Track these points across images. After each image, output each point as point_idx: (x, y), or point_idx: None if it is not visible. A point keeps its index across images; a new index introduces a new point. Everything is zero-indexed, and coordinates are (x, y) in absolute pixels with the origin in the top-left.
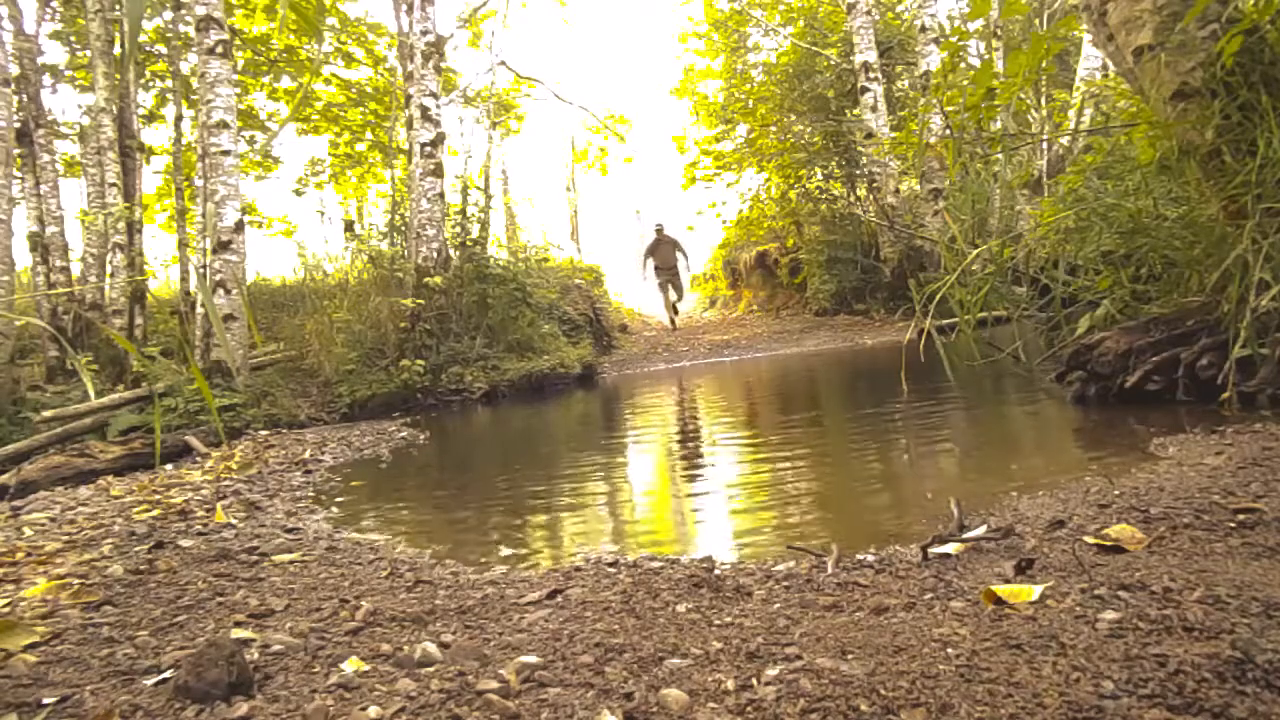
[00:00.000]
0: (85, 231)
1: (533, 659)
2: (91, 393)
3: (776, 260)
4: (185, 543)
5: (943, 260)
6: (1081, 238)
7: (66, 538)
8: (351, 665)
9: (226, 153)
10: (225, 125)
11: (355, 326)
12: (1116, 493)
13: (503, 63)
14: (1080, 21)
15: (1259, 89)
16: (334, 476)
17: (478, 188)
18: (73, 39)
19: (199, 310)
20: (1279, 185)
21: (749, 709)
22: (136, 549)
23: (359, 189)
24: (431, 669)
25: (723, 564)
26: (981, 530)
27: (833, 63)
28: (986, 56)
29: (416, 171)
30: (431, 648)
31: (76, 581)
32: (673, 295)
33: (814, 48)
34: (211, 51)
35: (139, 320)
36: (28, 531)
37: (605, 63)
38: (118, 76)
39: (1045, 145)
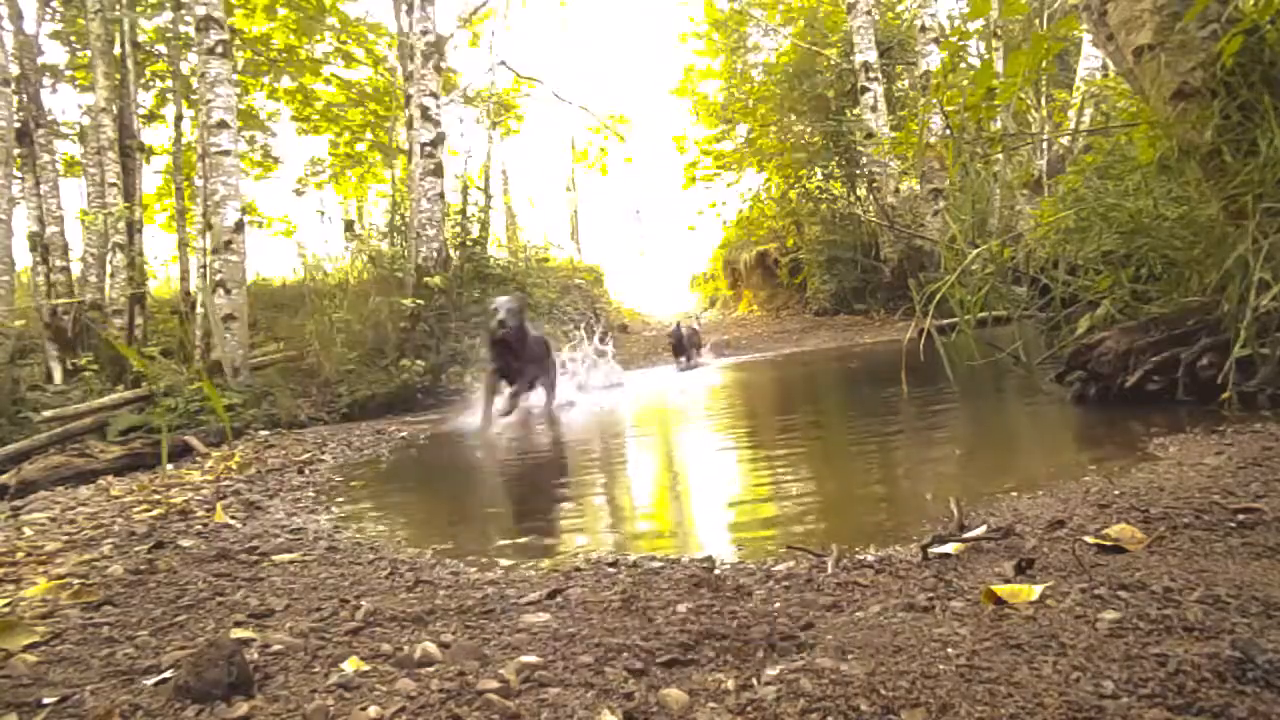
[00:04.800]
0: (85, 231)
1: (533, 659)
2: (57, 376)
3: (776, 260)
4: (185, 543)
5: (943, 260)
6: (1081, 238)
7: (66, 538)
8: (351, 665)
9: (226, 153)
10: (225, 125)
11: (355, 326)
12: (1116, 493)
13: (503, 63)
14: (1080, 21)
15: (1259, 89)
16: (334, 476)
17: (478, 188)
18: (73, 39)
19: (199, 310)
20: (1279, 185)
21: (749, 709)
22: (136, 549)
23: (359, 189)
24: (431, 669)
25: (723, 564)
26: (981, 530)
27: (833, 63)
28: (986, 56)
29: (416, 171)
30: (431, 647)
31: (76, 581)
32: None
33: (814, 48)
34: (211, 51)
35: (139, 320)
36: (28, 531)
37: (605, 63)
38: (117, 76)
39: (1045, 145)
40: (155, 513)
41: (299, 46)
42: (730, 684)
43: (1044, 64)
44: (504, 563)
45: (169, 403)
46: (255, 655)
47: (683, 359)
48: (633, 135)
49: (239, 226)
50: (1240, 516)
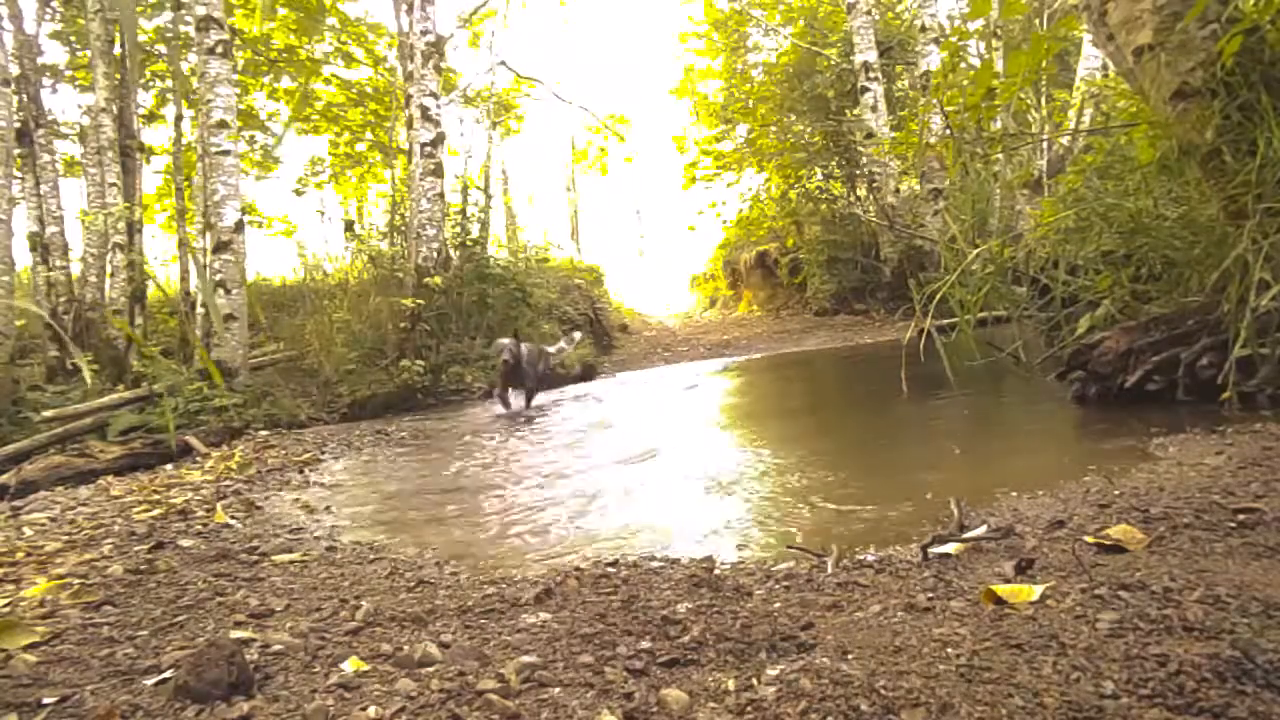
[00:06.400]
0: (85, 231)
1: (533, 659)
2: (88, 377)
3: (776, 260)
4: (185, 543)
5: (943, 260)
6: (1081, 238)
7: (66, 538)
8: (351, 665)
9: (226, 153)
10: (225, 125)
11: (355, 326)
12: (1116, 493)
13: (503, 63)
14: (1080, 21)
15: (1259, 89)
16: (334, 476)
17: (478, 188)
18: (73, 39)
19: (199, 310)
20: (1279, 185)
21: (749, 709)
22: (136, 549)
23: (359, 189)
24: (431, 669)
25: (723, 564)
26: (981, 530)
27: (833, 63)
28: (986, 56)
29: (416, 171)
30: (431, 647)
31: (76, 581)
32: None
33: (814, 48)
34: (211, 51)
35: (139, 320)
36: (28, 531)
37: (605, 63)
38: (118, 76)
39: (1045, 145)
40: (155, 513)
41: (299, 46)
42: (730, 684)
43: (1044, 64)
44: (504, 562)
45: (169, 403)
46: (255, 655)
47: (511, 392)
48: (633, 135)
49: (239, 226)
50: (1240, 516)
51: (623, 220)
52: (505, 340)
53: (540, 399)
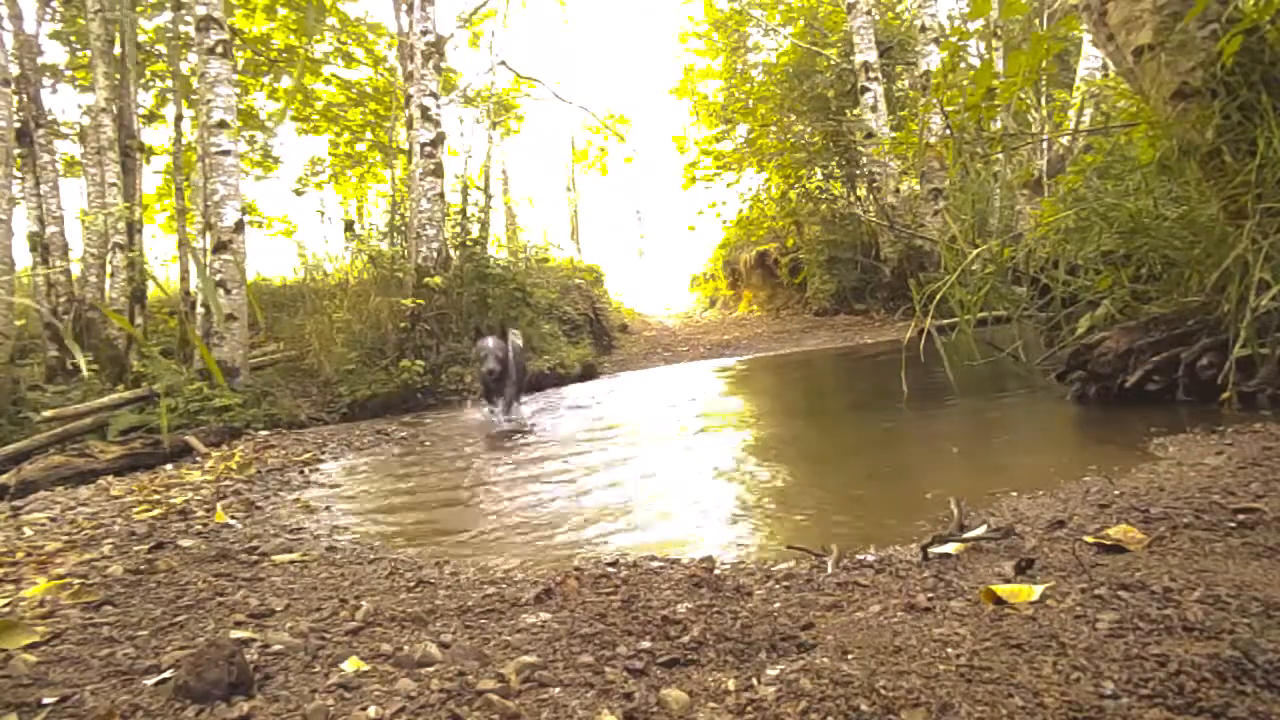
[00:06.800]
0: (85, 231)
1: (533, 659)
2: (84, 368)
3: (776, 260)
4: (185, 543)
5: (943, 260)
6: (1081, 238)
7: (66, 538)
8: (351, 665)
9: (226, 153)
10: (225, 125)
11: (355, 326)
12: (1116, 493)
13: (503, 63)
14: (1080, 21)
15: (1259, 89)
16: (334, 476)
17: (478, 188)
18: (73, 39)
19: (199, 310)
20: (1279, 185)
21: (749, 709)
22: (136, 549)
23: (359, 189)
24: (431, 669)
25: (723, 564)
26: (981, 530)
27: (833, 63)
28: (986, 56)
29: (416, 171)
30: (431, 647)
31: (76, 581)
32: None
33: (814, 48)
34: (211, 51)
35: (139, 320)
36: (28, 531)
37: (605, 63)
38: (117, 76)
39: (1045, 145)
40: (155, 513)
41: (299, 46)
42: (730, 684)
43: (1044, 64)
44: (504, 562)
45: (169, 403)
46: (255, 655)
47: (500, 401)
48: (633, 135)
49: (239, 226)
50: (1240, 516)
51: (623, 220)
52: (490, 341)
53: (537, 401)
